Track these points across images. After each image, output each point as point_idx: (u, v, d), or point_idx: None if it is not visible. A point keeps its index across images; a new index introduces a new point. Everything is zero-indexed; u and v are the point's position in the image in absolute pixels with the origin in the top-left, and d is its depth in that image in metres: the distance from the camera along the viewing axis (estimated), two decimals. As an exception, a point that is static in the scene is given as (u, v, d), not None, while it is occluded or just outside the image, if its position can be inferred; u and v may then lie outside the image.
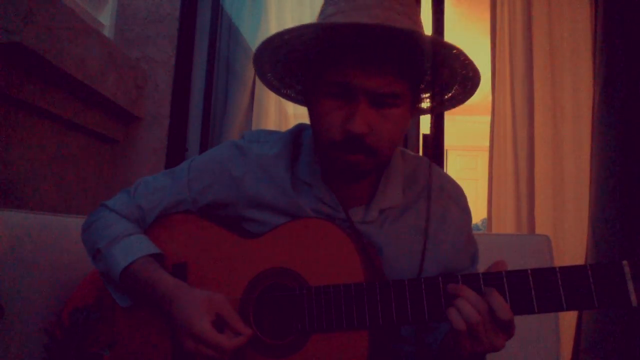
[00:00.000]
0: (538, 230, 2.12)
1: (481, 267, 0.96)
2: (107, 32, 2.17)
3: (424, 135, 2.16)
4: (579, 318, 1.93)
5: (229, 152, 0.98)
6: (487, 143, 2.32)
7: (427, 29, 2.13)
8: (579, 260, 2.02)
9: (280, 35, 0.78)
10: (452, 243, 0.94)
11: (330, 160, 0.86)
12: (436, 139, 2.08)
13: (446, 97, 0.93)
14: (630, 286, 0.64)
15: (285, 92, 0.99)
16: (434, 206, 0.93)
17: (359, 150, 0.81)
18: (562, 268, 0.69)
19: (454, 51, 0.77)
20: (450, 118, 2.28)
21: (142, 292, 0.91)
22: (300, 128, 1.01)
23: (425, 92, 0.95)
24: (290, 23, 2.31)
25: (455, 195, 0.97)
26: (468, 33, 3.30)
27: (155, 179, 1.01)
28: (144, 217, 0.99)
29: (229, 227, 0.96)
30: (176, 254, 0.96)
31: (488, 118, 2.33)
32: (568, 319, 1.95)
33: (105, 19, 2.18)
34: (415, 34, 0.75)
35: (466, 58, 0.78)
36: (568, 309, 0.69)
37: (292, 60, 0.88)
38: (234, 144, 0.99)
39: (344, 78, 0.78)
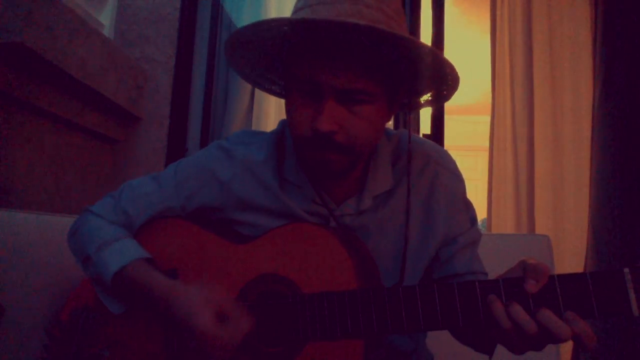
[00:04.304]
0: (538, 230, 2.12)
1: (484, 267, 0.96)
2: (107, 32, 2.17)
3: (424, 136, 2.16)
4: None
5: (215, 155, 0.95)
6: (487, 143, 2.33)
7: (427, 29, 2.16)
8: (579, 260, 2.02)
9: (247, 30, 0.77)
10: (447, 207, 0.92)
11: (305, 158, 0.85)
12: (436, 139, 2.08)
13: (429, 95, 0.90)
14: (632, 295, 0.62)
15: (269, 87, 0.98)
16: (422, 176, 0.92)
17: (328, 148, 0.79)
18: (560, 276, 0.66)
19: (420, 46, 0.74)
20: (450, 118, 2.28)
21: (136, 296, 0.89)
22: (283, 126, 0.98)
23: (406, 89, 0.90)
24: (290, 23, 2.30)
25: (443, 161, 0.95)
26: (468, 33, 3.30)
27: (140, 184, 0.98)
28: (131, 223, 0.95)
29: (219, 231, 0.93)
30: (166, 260, 0.93)
31: (488, 118, 2.33)
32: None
33: (105, 19, 2.18)
34: (374, 29, 0.70)
35: (438, 56, 0.75)
36: None
37: (269, 55, 0.87)
38: (219, 147, 0.97)
39: (310, 75, 0.76)
